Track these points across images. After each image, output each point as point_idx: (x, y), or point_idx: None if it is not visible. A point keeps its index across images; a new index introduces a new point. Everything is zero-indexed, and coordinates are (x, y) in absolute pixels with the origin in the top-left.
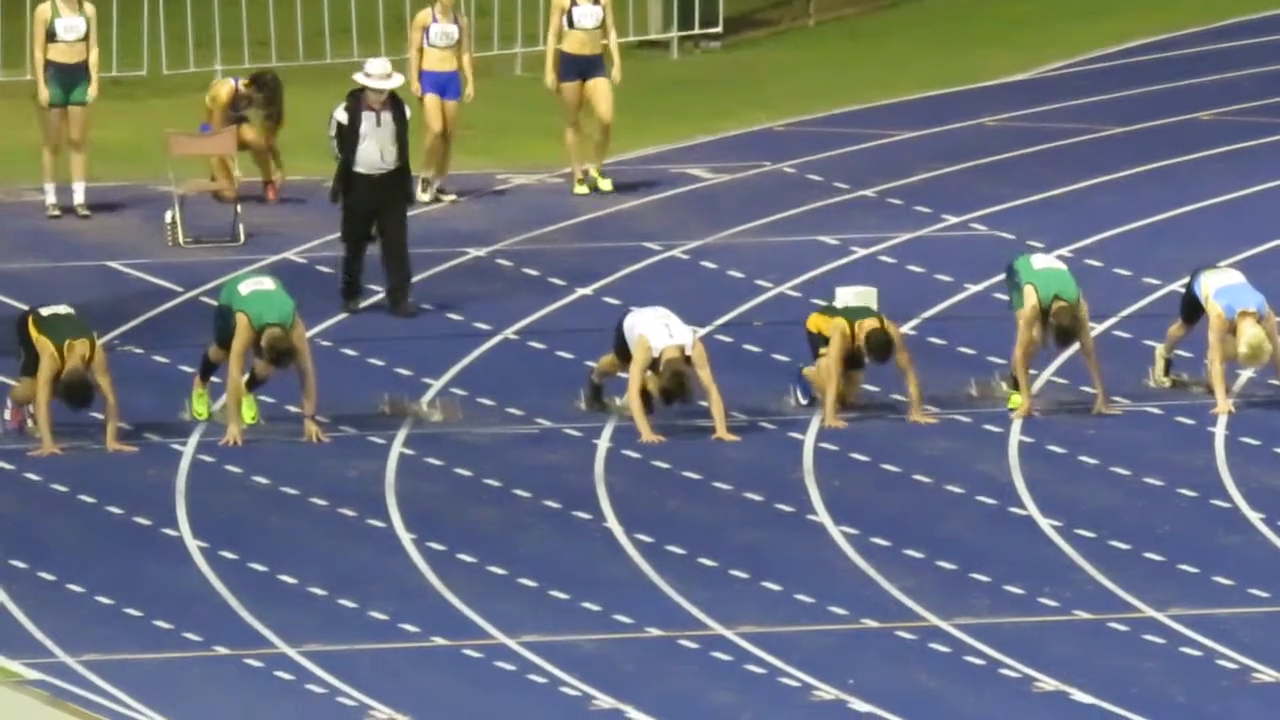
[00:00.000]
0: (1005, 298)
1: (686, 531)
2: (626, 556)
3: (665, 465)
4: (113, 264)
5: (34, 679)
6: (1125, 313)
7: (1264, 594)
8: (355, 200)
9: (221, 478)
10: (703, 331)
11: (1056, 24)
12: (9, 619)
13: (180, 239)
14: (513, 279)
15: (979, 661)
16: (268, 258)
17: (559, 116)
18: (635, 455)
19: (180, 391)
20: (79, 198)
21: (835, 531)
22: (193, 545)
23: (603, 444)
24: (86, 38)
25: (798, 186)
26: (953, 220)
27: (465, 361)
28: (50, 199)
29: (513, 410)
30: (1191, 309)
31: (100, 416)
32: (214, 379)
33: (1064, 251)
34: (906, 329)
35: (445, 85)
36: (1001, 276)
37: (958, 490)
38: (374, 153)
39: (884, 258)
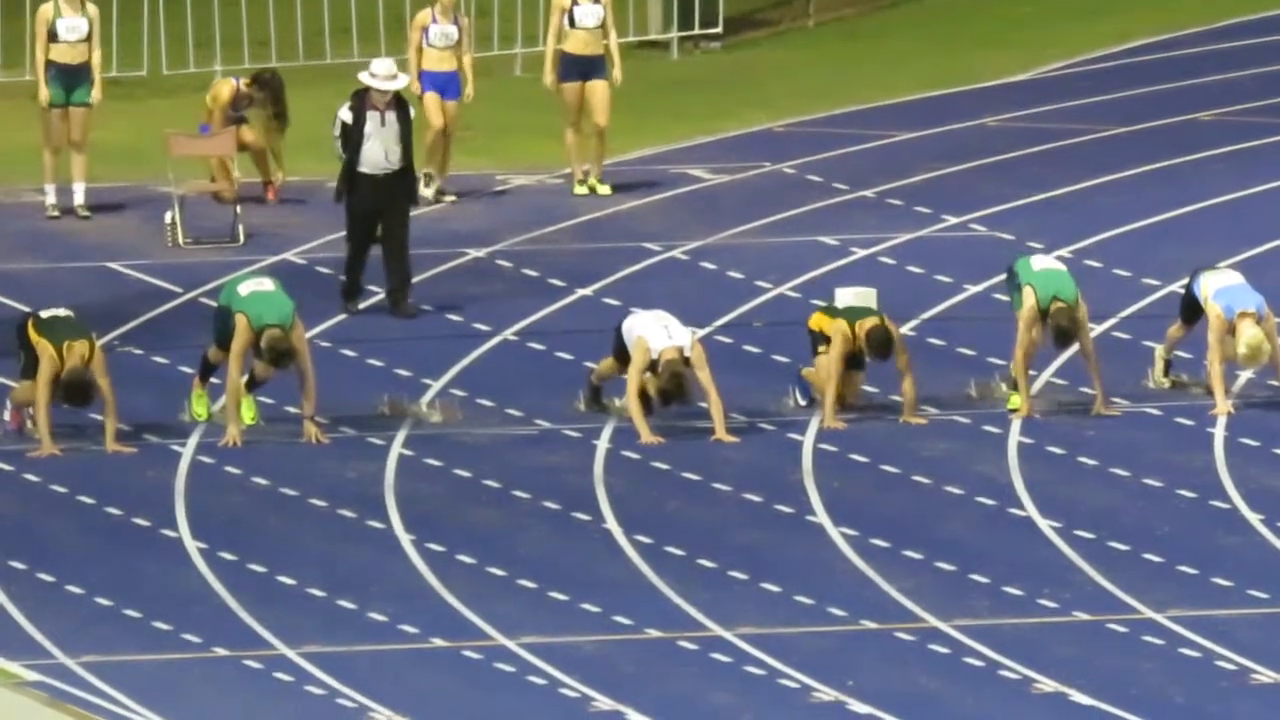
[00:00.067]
0: (1005, 299)
1: (686, 533)
2: (626, 558)
3: (664, 466)
4: (112, 265)
5: (33, 680)
6: (1125, 313)
7: (1263, 595)
8: (359, 200)
9: (221, 479)
10: (702, 332)
11: (1057, 24)
12: (8, 620)
13: (180, 240)
14: (512, 280)
15: (978, 663)
16: (267, 259)
17: (559, 117)
18: (635, 456)
19: (180, 392)
20: (79, 199)
21: (834, 533)
22: (192, 546)
23: (602, 445)
24: (89, 38)
25: (797, 187)
26: (952, 221)
27: (465, 362)
28: (50, 200)
29: (512, 411)
30: (1191, 310)
31: (99, 417)
32: (213, 380)
33: (1064, 252)
34: (906, 330)
35: (445, 85)
36: (1001, 277)
37: (957, 491)
38: (378, 153)
39: (884, 258)
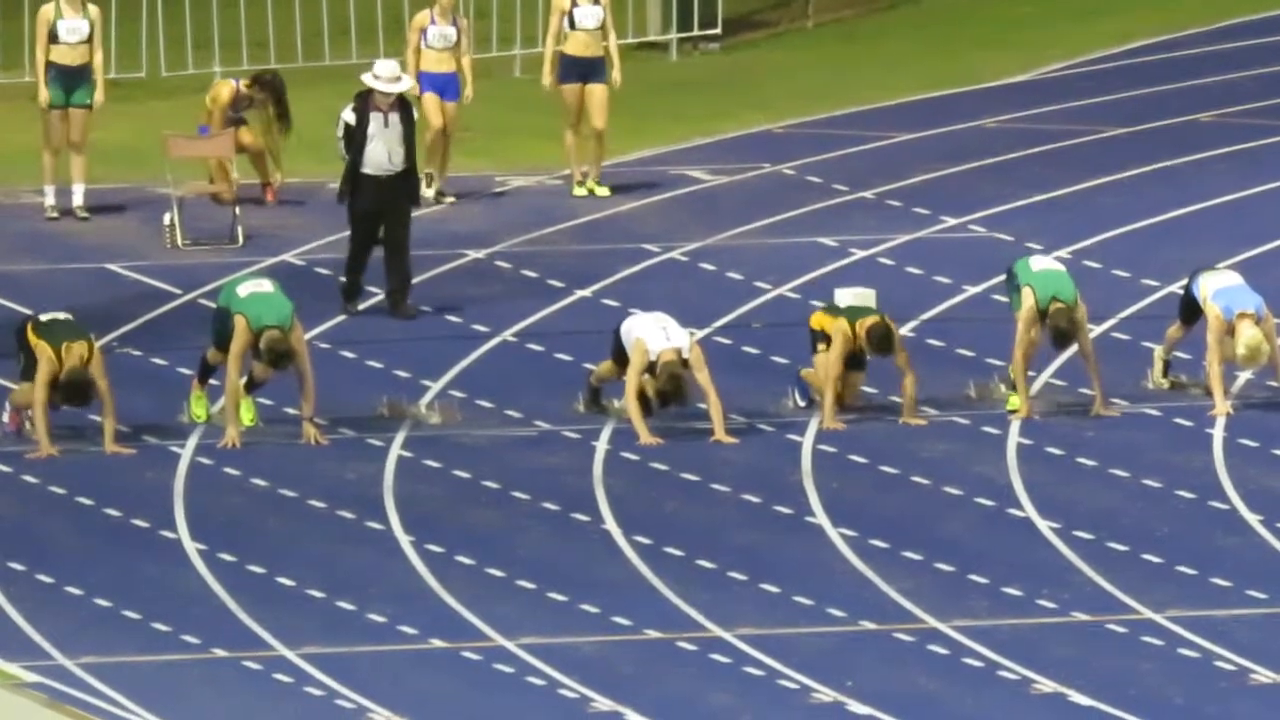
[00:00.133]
0: (1004, 299)
1: (685, 533)
2: (625, 558)
3: (664, 467)
4: (111, 266)
5: (32, 681)
6: (1124, 314)
7: (1262, 595)
8: (361, 201)
9: (220, 480)
10: (701, 334)
11: (1057, 25)
12: (7, 621)
13: (179, 241)
14: (511, 281)
15: (977, 663)
16: (266, 260)
17: (558, 118)
18: (634, 457)
19: (179, 394)
20: (78, 200)
21: (834, 533)
22: (191, 547)
23: (601, 446)
24: (89, 40)
25: (797, 188)
26: (952, 222)
27: (464, 364)
28: (49, 201)
29: (511, 412)
30: (1190, 310)
31: (98, 419)
32: (212, 381)
33: (1063, 253)
34: (905, 331)
35: (443, 87)
36: (1000, 278)
37: (956, 492)
38: (381, 154)
39: (883, 259)
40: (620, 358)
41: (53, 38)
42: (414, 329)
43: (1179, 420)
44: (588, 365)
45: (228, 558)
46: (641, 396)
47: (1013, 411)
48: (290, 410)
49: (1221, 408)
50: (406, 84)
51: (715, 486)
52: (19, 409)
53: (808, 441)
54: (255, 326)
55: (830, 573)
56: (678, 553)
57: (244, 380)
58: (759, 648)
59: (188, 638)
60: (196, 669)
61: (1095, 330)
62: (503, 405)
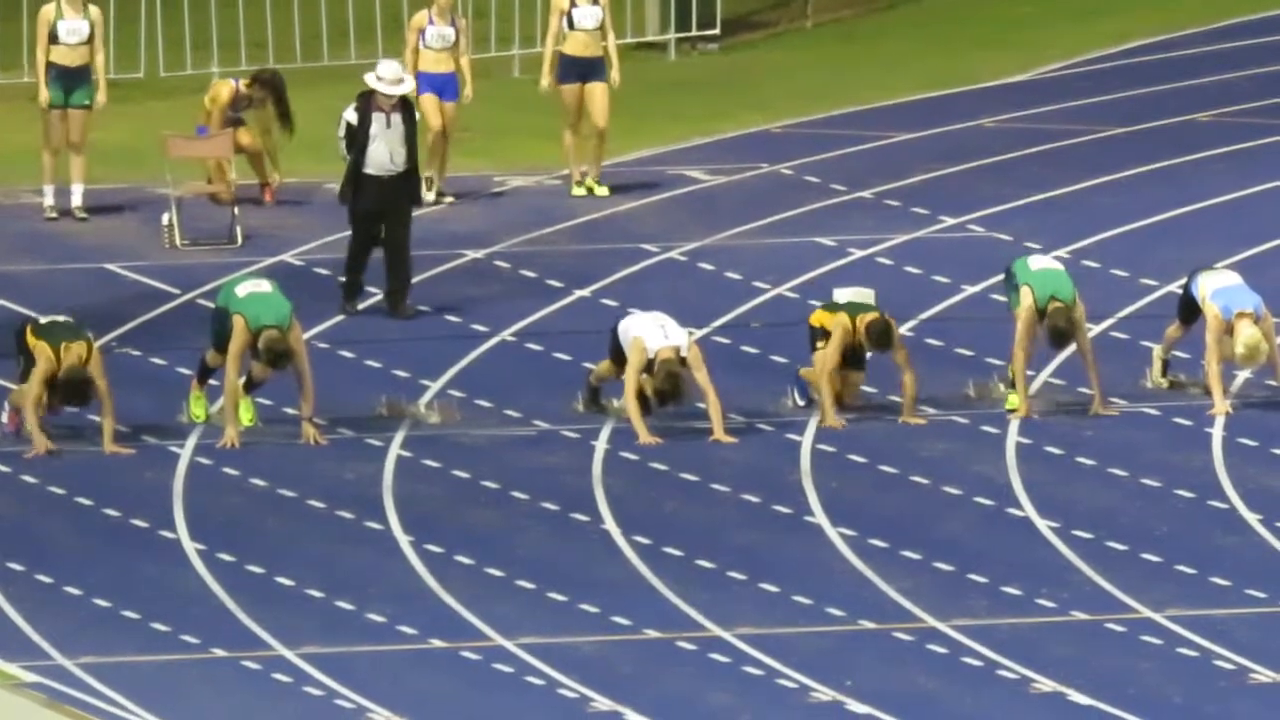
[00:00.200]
0: (1003, 299)
1: (684, 533)
2: (624, 558)
3: (663, 467)
4: (110, 266)
5: (31, 681)
6: (1123, 314)
7: (1261, 594)
8: (363, 201)
9: (219, 480)
10: (700, 333)
11: (1055, 25)
12: (6, 621)
13: (177, 241)
14: (510, 281)
15: (976, 663)
16: (265, 260)
17: (557, 118)
18: (633, 457)
19: (178, 394)
20: (76, 200)
21: (833, 533)
22: (190, 547)
23: (600, 446)
24: (90, 41)
25: (795, 188)
26: (950, 221)
27: (463, 363)
28: (48, 201)
29: (510, 412)
30: (1189, 310)
31: (98, 419)
32: (212, 381)
33: (1062, 252)
34: (904, 330)
35: (442, 87)
36: (999, 278)
37: (955, 491)
38: (383, 154)
39: (881, 259)
40: (618, 357)
41: (53, 38)
42: (413, 329)
43: (1178, 419)
44: (587, 365)
45: (227, 558)
46: (641, 396)
47: (1012, 410)
48: (289, 410)
49: (1220, 407)
50: (409, 86)
51: (714, 486)
52: (18, 409)
53: (807, 441)
54: (254, 326)
55: (829, 572)
56: (677, 552)
57: (243, 380)
58: (758, 647)
59: (187, 638)
60: (196, 669)
61: (1094, 330)
62: (502, 405)
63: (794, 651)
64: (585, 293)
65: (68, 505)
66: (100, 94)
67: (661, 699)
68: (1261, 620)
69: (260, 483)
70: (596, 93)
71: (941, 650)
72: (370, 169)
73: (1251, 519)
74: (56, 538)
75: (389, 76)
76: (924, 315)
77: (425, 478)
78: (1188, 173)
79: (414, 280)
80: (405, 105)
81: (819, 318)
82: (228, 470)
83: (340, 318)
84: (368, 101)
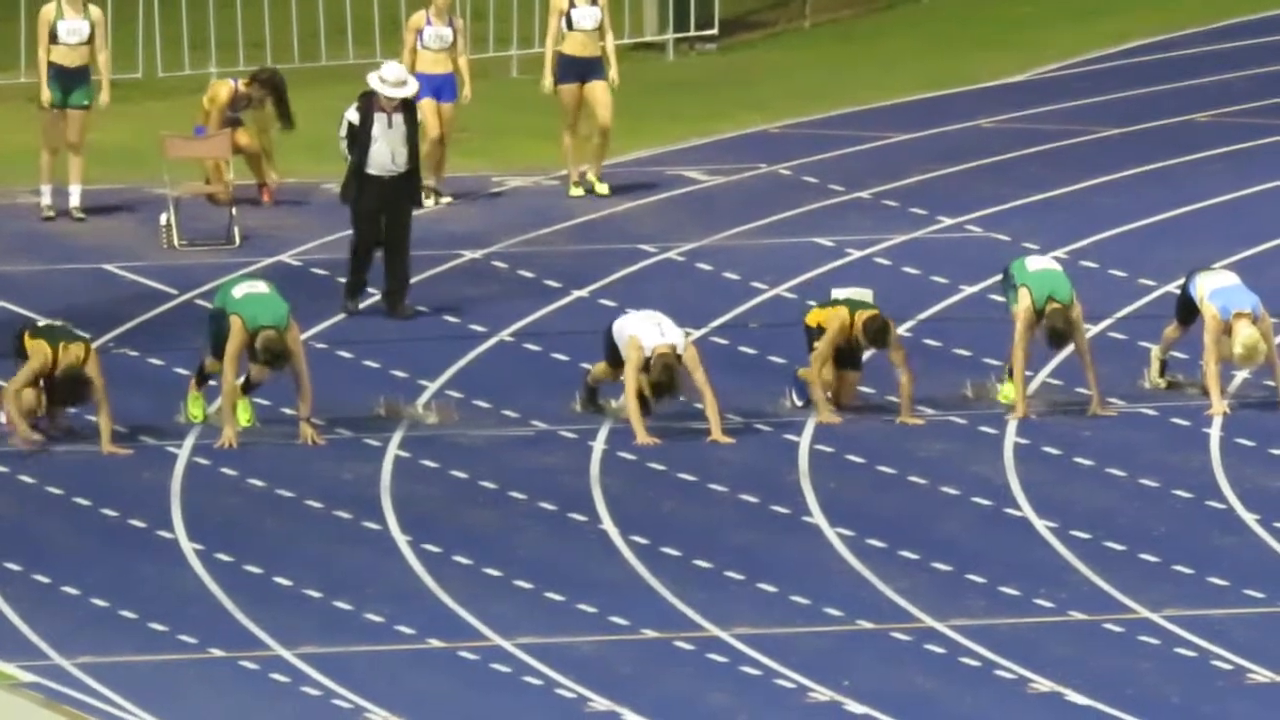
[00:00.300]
0: (1001, 299)
1: (682, 533)
2: (622, 558)
3: (661, 467)
4: (108, 266)
5: (29, 681)
6: (1121, 314)
7: (1259, 595)
8: (364, 201)
9: (217, 480)
10: (698, 334)
11: (1054, 25)
12: (4, 621)
13: (175, 241)
14: (508, 281)
15: (974, 663)
16: (262, 260)
17: (555, 118)
18: (631, 457)
19: (175, 394)
20: (74, 200)
21: (831, 533)
22: (188, 547)
23: (598, 446)
24: (90, 41)
25: (793, 188)
26: (948, 222)
27: (461, 364)
28: (45, 201)
29: (508, 412)
30: (1187, 310)
31: (95, 419)
32: (210, 382)
33: (1060, 253)
34: (902, 330)
35: (439, 88)
36: (997, 278)
37: (953, 492)
38: (385, 155)
39: (879, 259)
40: (613, 358)
41: (53, 38)
42: (411, 329)
43: (1176, 420)
44: (585, 365)
45: (225, 558)
46: (640, 396)
47: (1006, 403)
48: (287, 410)
49: (1218, 407)
50: (412, 89)
51: (712, 486)
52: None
53: (805, 441)
54: (251, 327)
55: (827, 572)
56: (675, 552)
57: (241, 381)
58: (756, 647)
59: (185, 637)
60: (193, 669)
61: (1092, 330)
62: (500, 405)
63: (792, 651)
64: (583, 293)
65: (65, 505)
66: (104, 94)
67: (659, 699)
68: (1259, 620)
69: (258, 483)
70: (598, 90)
71: (939, 650)
72: (372, 169)
73: (1249, 519)
74: (54, 538)
75: (392, 78)
76: (922, 316)
77: (423, 478)
78: (1186, 173)
79: (412, 280)
80: (407, 106)
81: (815, 316)
82: (225, 470)
83: (339, 317)
84: (369, 102)
